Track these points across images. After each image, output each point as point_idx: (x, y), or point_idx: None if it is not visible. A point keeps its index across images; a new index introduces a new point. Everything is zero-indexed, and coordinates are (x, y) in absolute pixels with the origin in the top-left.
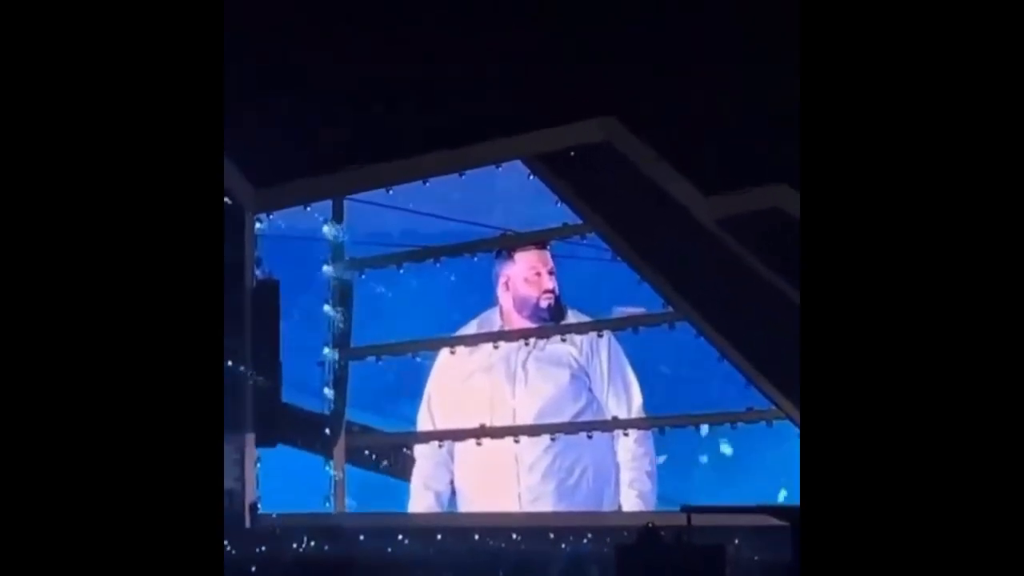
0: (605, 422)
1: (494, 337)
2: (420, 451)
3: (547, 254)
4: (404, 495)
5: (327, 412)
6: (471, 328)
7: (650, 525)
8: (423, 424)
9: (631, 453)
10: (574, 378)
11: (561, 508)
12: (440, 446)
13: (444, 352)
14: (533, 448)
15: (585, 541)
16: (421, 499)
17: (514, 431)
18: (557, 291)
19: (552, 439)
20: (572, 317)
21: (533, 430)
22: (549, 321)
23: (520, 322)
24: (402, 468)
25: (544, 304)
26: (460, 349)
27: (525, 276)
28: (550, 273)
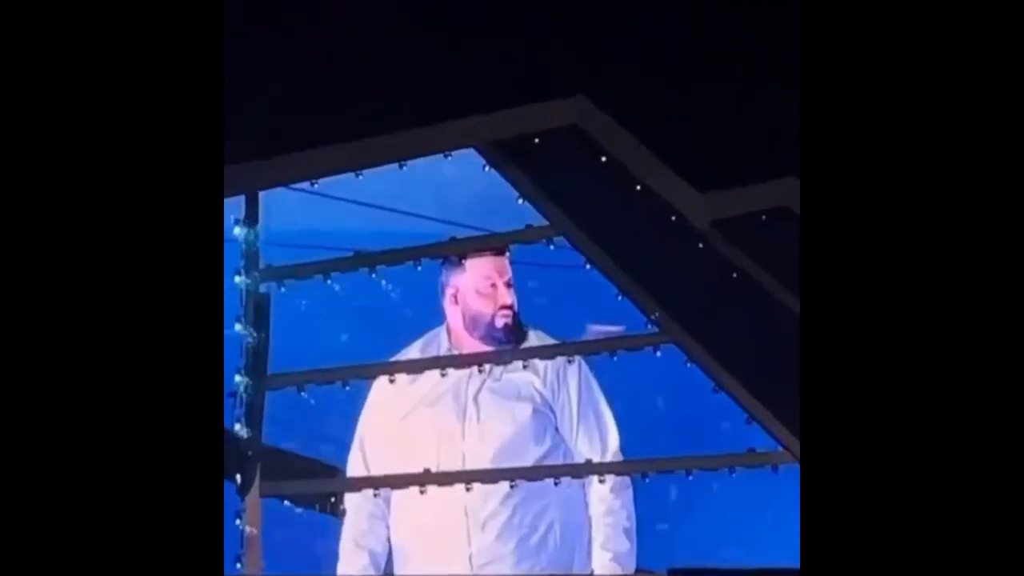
0: (575, 466)
1: (440, 363)
2: (351, 502)
3: (504, 262)
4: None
5: (236, 452)
6: (413, 352)
7: None
8: (355, 471)
9: (606, 505)
10: (537, 414)
11: (522, 573)
12: (376, 495)
13: (381, 381)
14: (487, 499)
15: None
16: (352, 560)
17: (464, 477)
18: (516, 307)
19: (511, 487)
20: (535, 339)
21: (488, 475)
22: (506, 343)
23: (471, 344)
24: (333, 508)
25: (500, 323)
26: (400, 378)
27: (477, 288)
28: (507, 285)
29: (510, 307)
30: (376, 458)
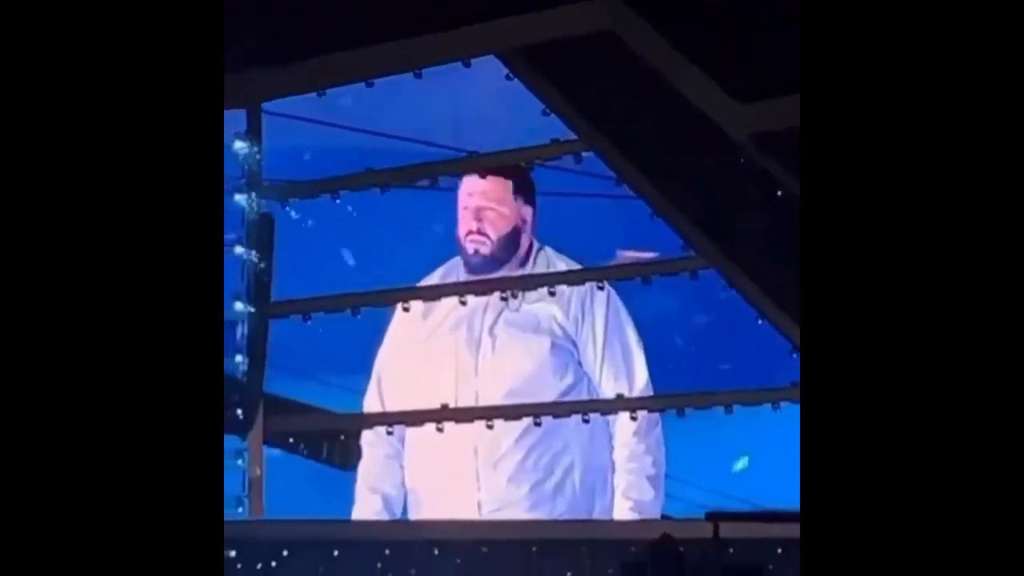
0: (597, 402)
1: (451, 290)
2: (366, 442)
3: (485, 184)
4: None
5: (237, 387)
6: (433, 280)
7: (666, 537)
8: (371, 408)
9: (629, 450)
10: (556, 348)
11: (537, 519)
12: (389, 432)
13: (400, 313)
14: (500, 440)
15: (579, 557)
16: (366, 504)
17: (478, 413)
18: (495, 236)
19: (528, 426)
20: (562, 267)
21: (504, 412)
22: (483, 272)
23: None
24: (340, 458)
25: (469, 248)
26: (416, 309)
27: (461, 208)
28: (481, 209)
29: (480, 233)
30: (392, 395)
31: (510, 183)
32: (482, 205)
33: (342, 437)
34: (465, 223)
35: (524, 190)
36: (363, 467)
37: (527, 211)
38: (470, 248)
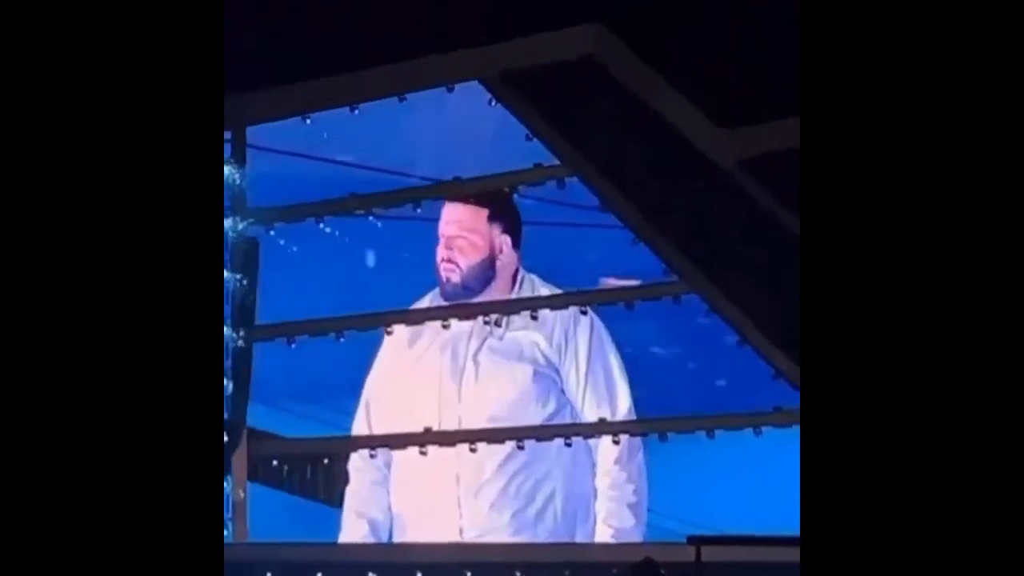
0: (579, 425)
1: (434, 315)
2: (353, 467)
3: (461, 210)
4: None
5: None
6: (423, 304)
7: (648, 560)
8: (359, 432)
9: (610, 478)
10: (539, 376)
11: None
12: (372, 456)
13: (385, 339)
14: (482, 466)
15: None
16: (352, 530)
17: (459, 437)
18: (465, 264)
19: (510, 452)
20: (546, 293)
21: (485, 435)
22: (456, 299)
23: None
24: (325, 487)
25: (444, 278)
26: (402, 332)
27: (440, 235)
28: (452, 238)
29: (450, 262)
30: (379, 419)
31: (485, 211)
32: (453, 234)
33: (326, 461)
34: (440, 251)
35: (503, 217)
36: (350, 492)
37: (504, 239)
38: (443, 276)
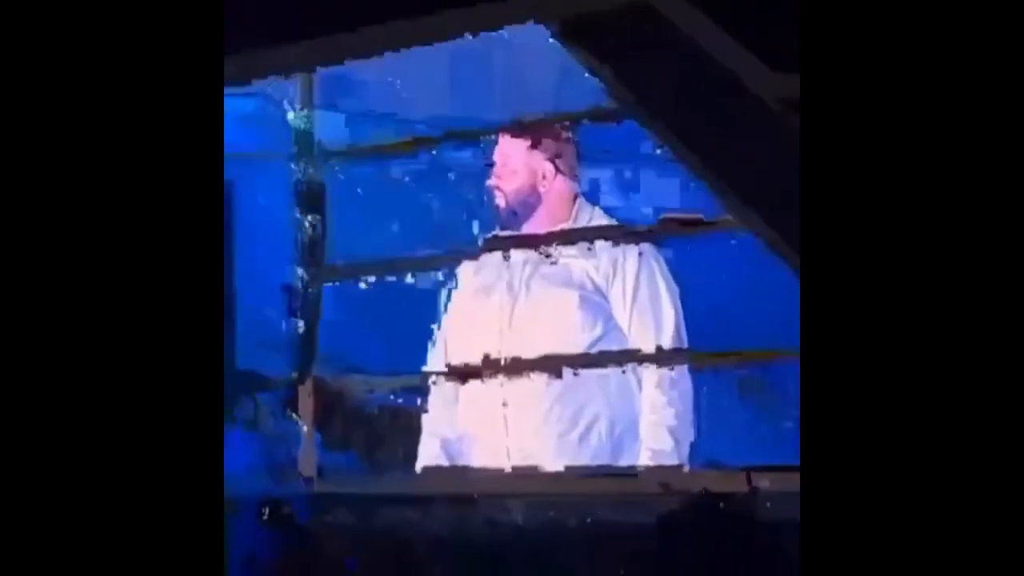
0: (616, 353)
1: (492, 246)
2: (431, 392)
3: (511, 140)
4: None
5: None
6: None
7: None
8: (435, 361)
9: (651, 401)
10: (585, 301)
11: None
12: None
13: (460, 275)
14: (524, 390)
15: (606, 511)
16: (426, 447)
17: (503, 368)
18: (508, 189)
19: (554, 379)
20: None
21: (529, 366)
22: (510, 228)
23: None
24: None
25: (494, 203)
26: (467, 269)
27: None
28: (498, 166)
29: (496, 188)
30: (452, 350)
31: (527, 141)
32: (499, 163)
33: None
34: (490, 179)
35: (545, 146)
36: (425, 415)
37: (546, 166)
38: (494, 201)
